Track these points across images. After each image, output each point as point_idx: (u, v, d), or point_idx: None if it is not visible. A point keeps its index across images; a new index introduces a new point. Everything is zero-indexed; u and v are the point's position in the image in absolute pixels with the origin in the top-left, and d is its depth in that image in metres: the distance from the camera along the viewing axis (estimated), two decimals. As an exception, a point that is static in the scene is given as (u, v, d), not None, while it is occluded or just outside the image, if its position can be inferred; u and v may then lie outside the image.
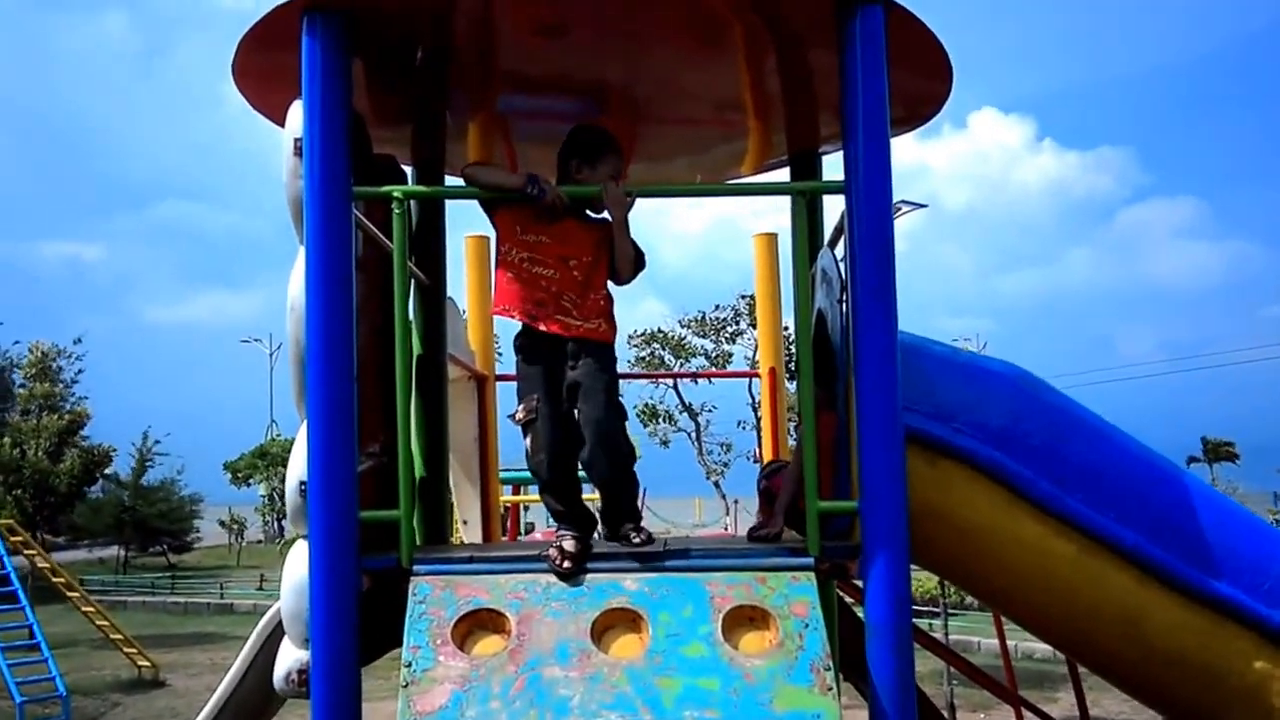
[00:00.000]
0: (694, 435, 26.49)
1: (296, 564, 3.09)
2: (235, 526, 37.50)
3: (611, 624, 2.86)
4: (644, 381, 25.40)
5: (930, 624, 13.45)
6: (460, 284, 5.94)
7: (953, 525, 3.43)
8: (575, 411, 3.23)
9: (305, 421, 3.04)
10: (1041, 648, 14.01)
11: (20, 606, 13.34)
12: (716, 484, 26.53)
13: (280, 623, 3.24)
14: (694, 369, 25.84)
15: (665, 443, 26.97)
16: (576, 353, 3.27)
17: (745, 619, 2.88)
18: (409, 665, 2.75)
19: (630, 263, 3.35)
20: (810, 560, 3.01)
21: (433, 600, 2.90)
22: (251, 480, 36.42)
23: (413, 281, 4.22)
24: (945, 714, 10.20)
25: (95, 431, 32.63)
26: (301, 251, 3.10)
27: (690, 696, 2.68)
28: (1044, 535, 3.40)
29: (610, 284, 3.40)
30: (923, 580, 18.22)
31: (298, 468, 3.07)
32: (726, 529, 25.17)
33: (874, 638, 2.95)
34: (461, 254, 5.94)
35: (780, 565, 2.99)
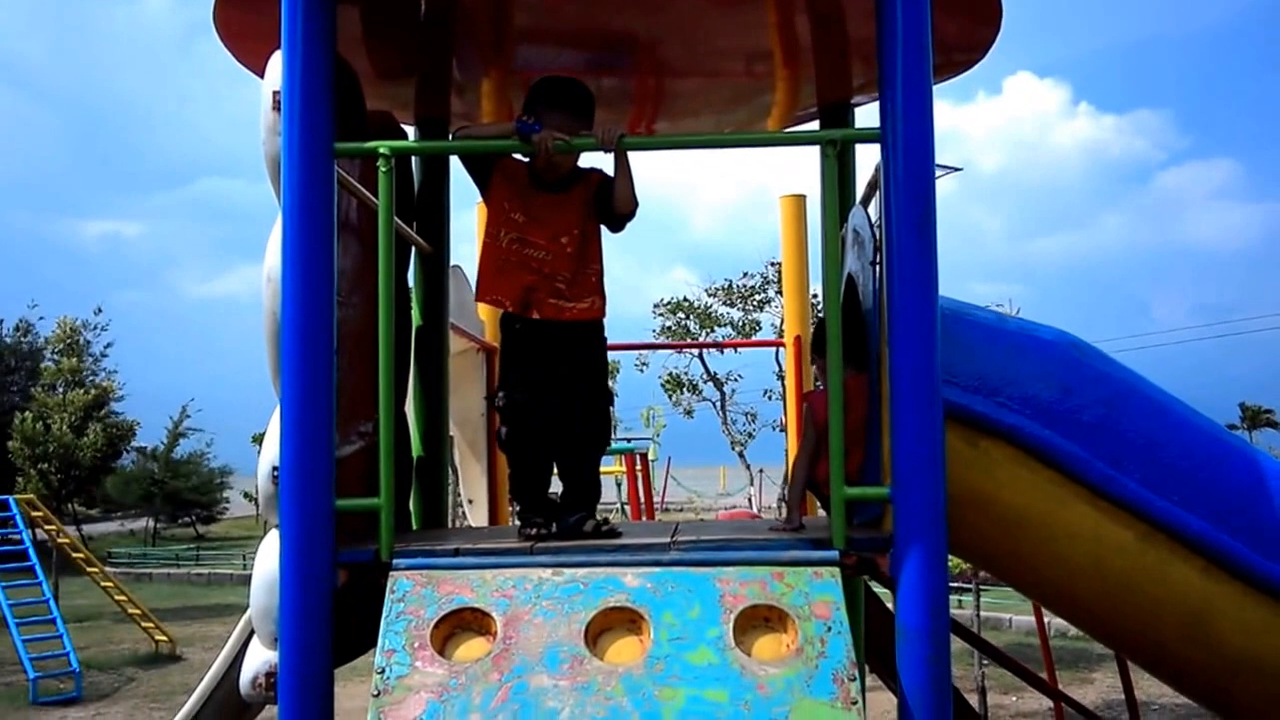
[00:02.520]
0: (719, 405, 26.12)
1: (267, 557, 2.81)
2: (262, 497, 37.79)
3: (609, 625, 2.54)
4: (669, 351, 25.13)
5: (960, 600, 13.08)
6: (472, 254, 5.64)
7: (995, 511, 3.09)
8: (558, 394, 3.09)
9: (279, 403, 2.75)
10: (1077, 625, 13.61)
11: (38, 582, 13.32)
12: (741, 454, 26.18)
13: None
14: (719, 338, 25.45)
15: (689, 412, 26.66)
16: (570, 337, 3.10)
17: (760, 620, 2.56)
18: (382, 672, 2.45)
19: (630, 196, 3.07)
20: (834, 554, 2.67)
21: (412, 598, 2.60)
22: (280, 451, 36.70)
23: (414, 250, 3.93)
24: (975, 696, 9.83)
25: (130, 405, 32.97)
26: (279, 217, 2.79)
27: (694, 710, 2.36)
28: (1098, 521, 3.06)
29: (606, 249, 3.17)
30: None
31: (271, 451, 2.79)
32: (750, 499, 24.88)
33: (906, 642, 2.62)
34: (474, 224, 5.61)
35: (800, 560, 2.66)
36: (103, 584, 15.07)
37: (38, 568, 13.33)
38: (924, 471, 2.62)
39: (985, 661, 9.89)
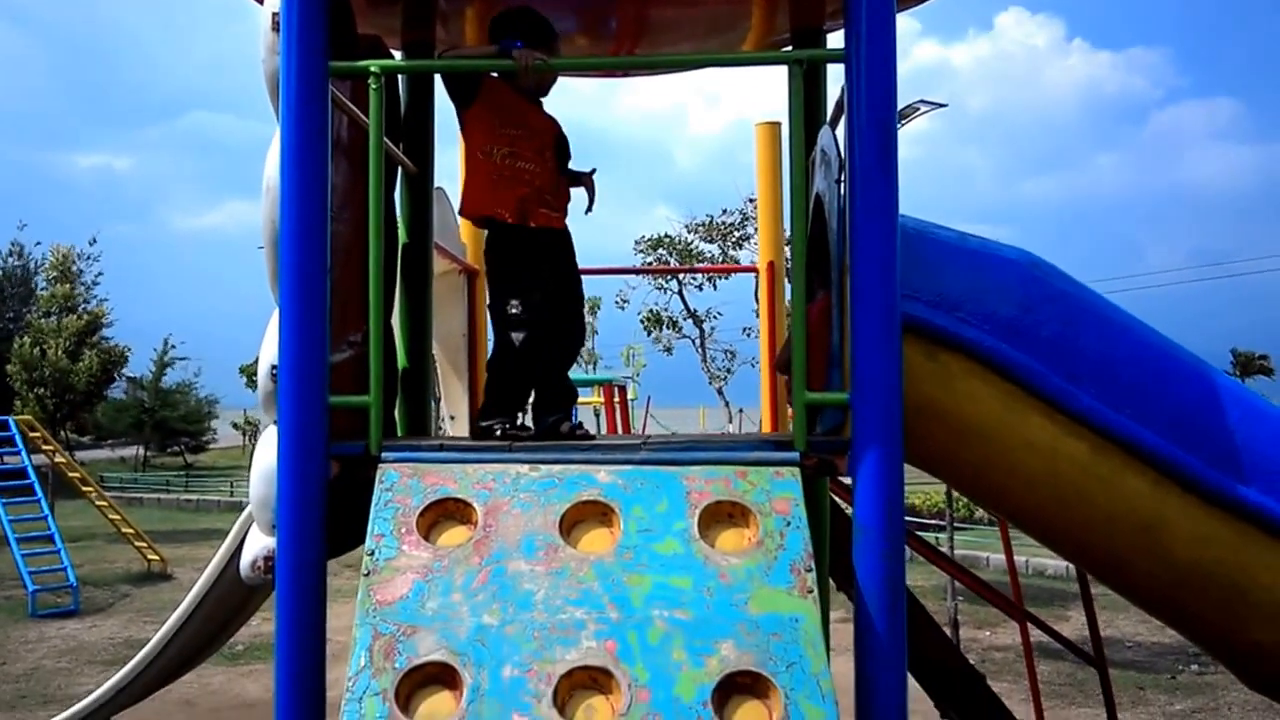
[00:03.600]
0: (698, 342, 26.27)
1: (266, 450, 2.99)
2: (248, 428, 38.46)
3: (581, 518, 2.70)
4: (650, 288, 25.26)
5: (937, 538, 13.41)
6: (455, 176, 5.73)
7: (953, 423, 3.21)
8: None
9: (278, 306, 2.91)
10: (1053, 564, 13.96)
11: (36, 499, 13.60)
12: (720, 390, 26.37)
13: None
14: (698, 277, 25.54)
15: (669, 349, 26.84)
16: (559, 244, 3.38)
17: (724, 515, 2.72)
18: (372, 554, 2.62)
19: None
20: (795, 455, 2.83)
21: (399, 488, 2.76)
22: (266, 383, 37.23)
23: (400, 170, 4.06)
24: (948, 630, 10.14)
25: (121, 334, 33.50)
26: (278, 132, 2.93)
27: (660, 595, 2.53)
28: (1054, 434, 3.18)
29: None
30: (930, 493, 18.24)
31: (270, 352, 2.95)
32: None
33: (862, 539, 2.78)
34: (458, 147, 5.69)
35: (763, 460, 2.81)
36: (98, 503, 15.34)
37: (36, 486, 13.62)
38: (882, 378, 2.76)
39: (959, 595, 10.23)
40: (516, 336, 3.28)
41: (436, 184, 4.61)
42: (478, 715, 2.33)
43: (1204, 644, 3.46)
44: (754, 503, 2.72)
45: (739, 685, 2.39)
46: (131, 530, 14.87)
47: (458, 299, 5.28)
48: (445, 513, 2.73)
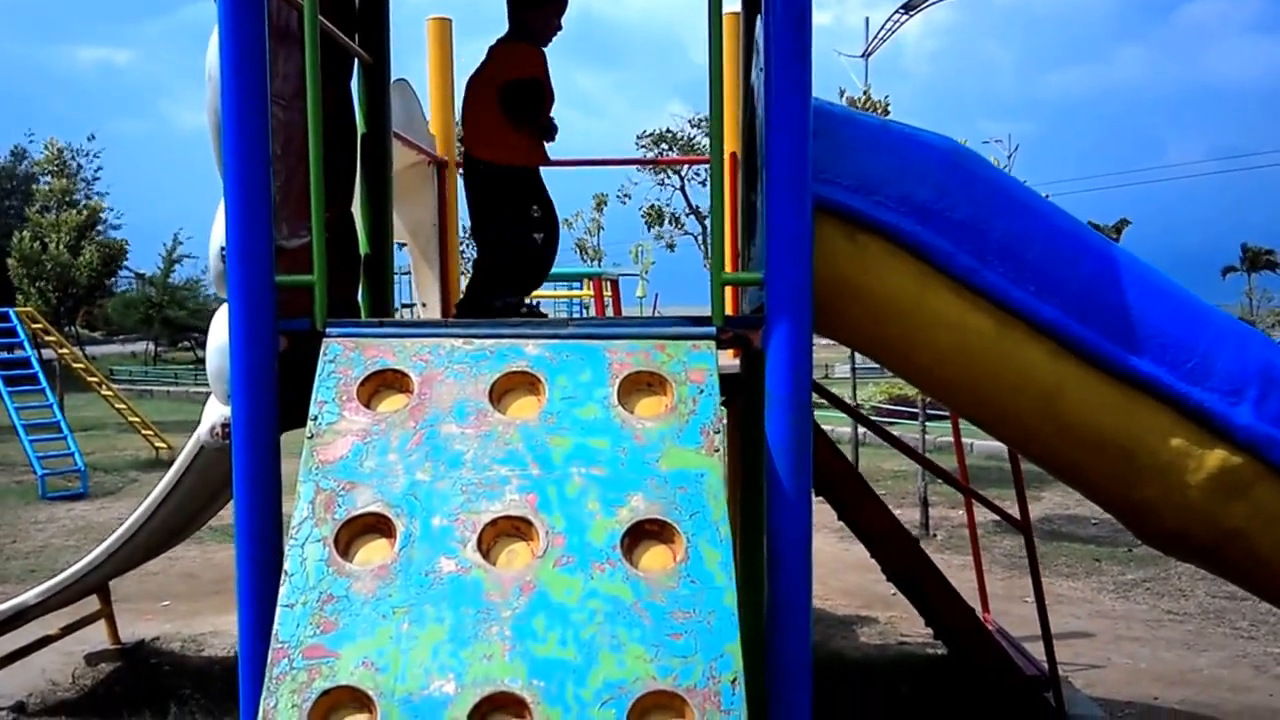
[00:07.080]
0: (700, 238, 26.38)
1: (219, 326, 3.18)
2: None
3: (511, 386, 2.92)
4: (651, 183, 25.27)
5: (924, 425, 13.74)
6: (416, 68, 5.81)
7: (870, 301, 3.41)
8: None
9: (223, 190, 3.04)
10: (1015, 450, 14.26)
11: (41, 388, 13.94)
12: None
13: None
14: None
15: (671, 246, 26.97)
16: None
17: (643, 384, 2.93)
18: (315, 419, 2.84)
19: None
20: (712, 330, 3.03)
21: (342, 360, 2.97)
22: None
23: (356, 61, 4.17)
24: (918, 509, 10.59)
25: (130, 232, 33.90)
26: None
27: (579, 454, 2.76)
28: (962, 310, 3.37)
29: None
30: (903, 384, 18.52)
31: (218, 234, 3.11)
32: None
33: (772, 405, 3.00)
34: (423, 39, 5.76)
35: (681, 334, 3.02)
36: (104, 393, 15.72)
37: (41, 376, 13.94)
38: (792, 256, 2.92)
39: (927, 478, 10.62)
40: (538, 235, 4.05)
41: (400, 76, 4.73)
42: (409, 558, 2.60)
43: (1101, 502, 3.69)
44: (670, 373, 2.93)
45: (647, 532, 2.64)
46: (138, 419, 15.30)
47: (428, 189, 5.44)
48: (384, 383, 2.95)
